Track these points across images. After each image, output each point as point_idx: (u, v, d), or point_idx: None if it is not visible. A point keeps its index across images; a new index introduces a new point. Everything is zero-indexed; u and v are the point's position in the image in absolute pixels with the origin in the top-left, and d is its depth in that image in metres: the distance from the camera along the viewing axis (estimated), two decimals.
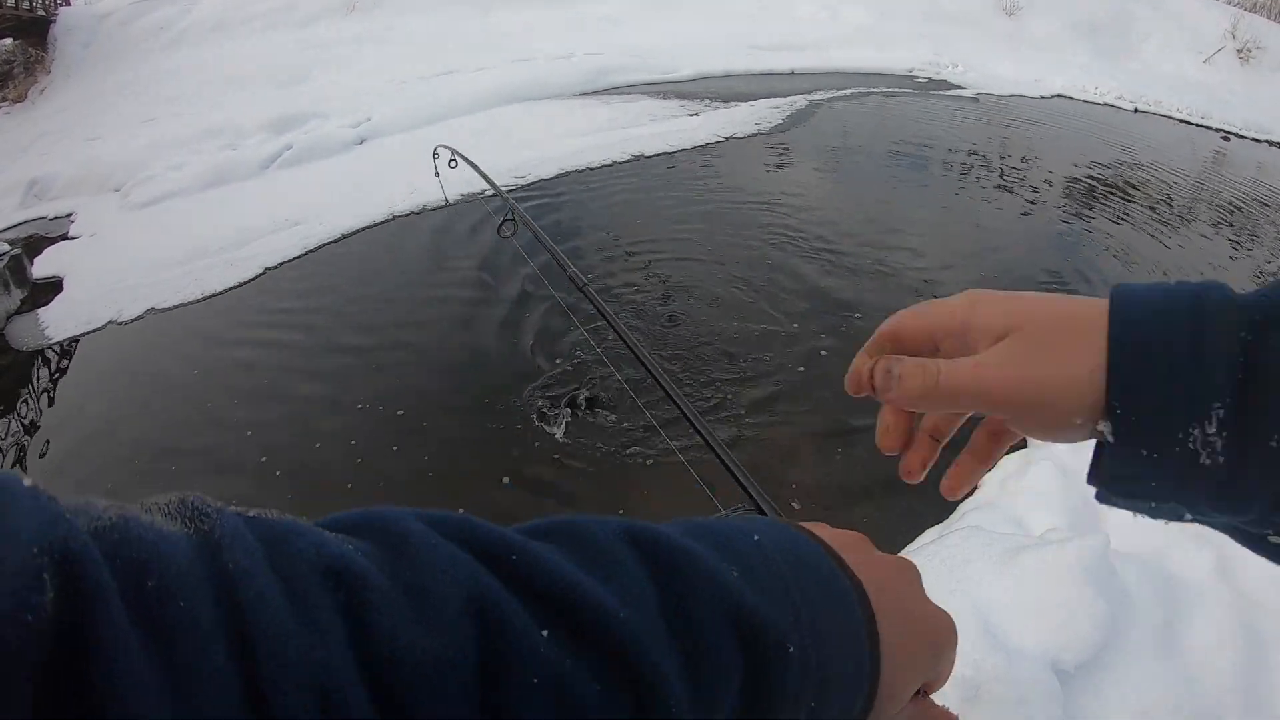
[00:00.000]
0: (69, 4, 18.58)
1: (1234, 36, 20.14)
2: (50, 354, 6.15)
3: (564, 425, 4.59)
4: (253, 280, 6.80)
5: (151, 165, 9.86)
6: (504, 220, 2.85)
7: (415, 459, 4.53)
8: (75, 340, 6.25)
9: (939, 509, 4.09)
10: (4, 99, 16.00)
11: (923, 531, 3.90)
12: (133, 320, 6.39)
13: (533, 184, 8.46)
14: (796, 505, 4.15)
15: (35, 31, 16.78)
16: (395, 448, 4.60)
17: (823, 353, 5.53)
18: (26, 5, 16.42)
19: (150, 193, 9.19)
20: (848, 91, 13.59)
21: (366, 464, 4.50)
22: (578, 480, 4.33)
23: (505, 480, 4.31)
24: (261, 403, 5.19)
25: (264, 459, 4.61)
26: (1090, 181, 10.29)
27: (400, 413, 4.90)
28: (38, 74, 16.32)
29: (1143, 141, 13.09)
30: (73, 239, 8.45)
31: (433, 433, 4.74)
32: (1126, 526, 3.59)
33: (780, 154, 9.88)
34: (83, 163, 10.32)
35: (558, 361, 5.29)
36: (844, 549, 0.50)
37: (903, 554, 3.41)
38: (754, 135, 10.50)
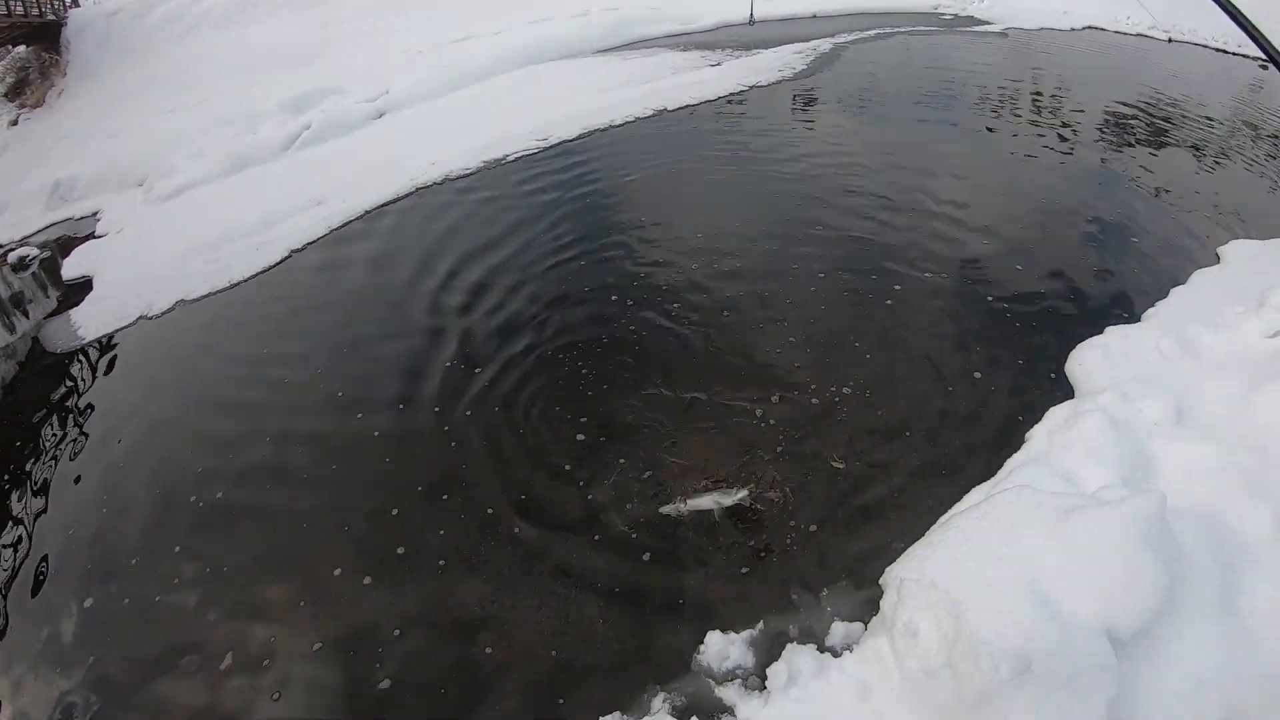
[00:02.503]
0: (78, 5, 18.51)
1: None
2: (84, 355, 6.11)
3: None
4: (279, 264, 6.69)
5: (172, 157, 9.82)
6: None
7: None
8: (108, 338, 6.21)
9: (985, 465, 3.98)
10: (23, 105, 16.02)
11: (969, 490, 3.79)
12: (162, 314, 6.36)
13: (555, 144, 8.30)
14: (837, 464, 4.08)
15: (47, 36, 16.74)
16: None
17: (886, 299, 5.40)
18: (36, 11, 16.39)
19: (173, 184, 9.14)
20: (872, 32, 13.25)
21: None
22: None
23: None
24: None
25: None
26: (1124, 116, 9.91)
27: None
28: (54, 77, 16.30)
29: (1178, 72, 12.59)
30: (99, 237, 8.45)
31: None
32: (1181, 478, 3.48)
33: (805, 102, 9.60)
34: (104, 161, 10.30)
35: None
36: None
37: (951, 515, 3.33)
38: (778, 83, 10.22)
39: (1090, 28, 14.97)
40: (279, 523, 4.12)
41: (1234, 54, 14.31)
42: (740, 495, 3.81)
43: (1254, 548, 3.01)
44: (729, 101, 9.52)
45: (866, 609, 3.28)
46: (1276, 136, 9.89)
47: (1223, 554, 2.93)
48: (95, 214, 9.18)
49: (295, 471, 4.45)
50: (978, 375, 4.73)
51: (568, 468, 4.19)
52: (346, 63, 13.19)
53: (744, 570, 3.56)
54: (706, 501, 3.79)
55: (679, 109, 9.22)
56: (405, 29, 14.64)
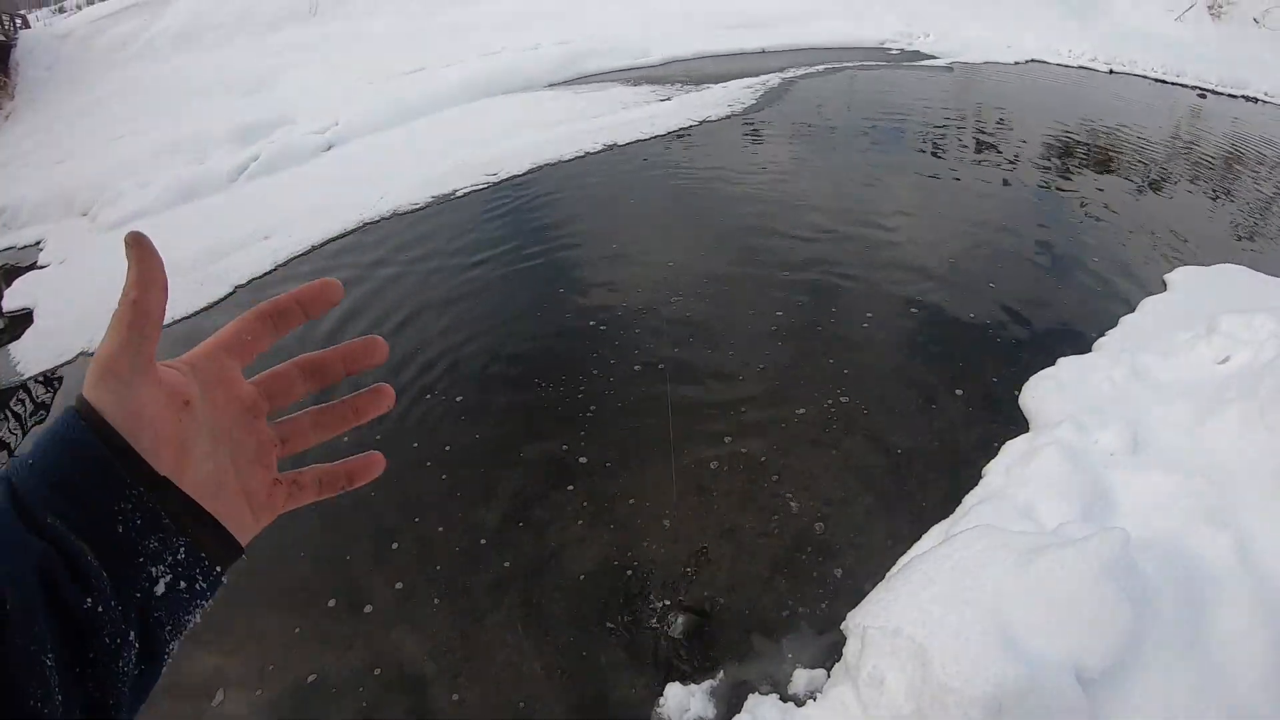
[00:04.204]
0: (27, 26, 18.29)
1: None
2: (25, 391, 5.99)
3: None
4: (224, 300, 6.66)
5: (119, 185, 9.68)
6: None
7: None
8: (51, 373, 6.11)
9: (942, 502, 3.99)
10: None
11: (928, 528, 3.79)
12: None
13: (505, 180, 8.32)
14: (793, 504, 4.05)
15: None
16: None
17: (823, 347, 5.45)
18: None
19: (119, 213, 9.02)
20: (820, 67, 13.49)
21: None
22: None
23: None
24: None
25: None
26: (1068, 147, 10.19)
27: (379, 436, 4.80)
28: (1, 101, 16.08)
29: (1119, 102, 13.02)
30: (42, 268, 8.27)
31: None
32: (1141, 509, 3.51)
33: (755, 134, 9.76)
34: (50, 187, 10.12)
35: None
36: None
37: (911, 557, 3.15)
38: (729, 117, 10.37)
39: (1033, 60, 15.47)
40: None
41: (1173, 83, 14.85)
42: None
43: (1216, 576, 3.03)
44: (679, 136, 9.62)
45: (828, 654, 3.25)
46: (1216, 162, 10.25)
47: (1186, 584, 2.94)
48: (38, 243, 9.00)
49: None
50: (932, 410, 4.77)
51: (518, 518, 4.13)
52: (297, 93, 13.13)
53: (699, 617, 3.50)
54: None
55: (630, 143, 9.27)
56: (356, 60, 14.63)
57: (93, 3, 20.41)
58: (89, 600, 0.50)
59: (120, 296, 0.55)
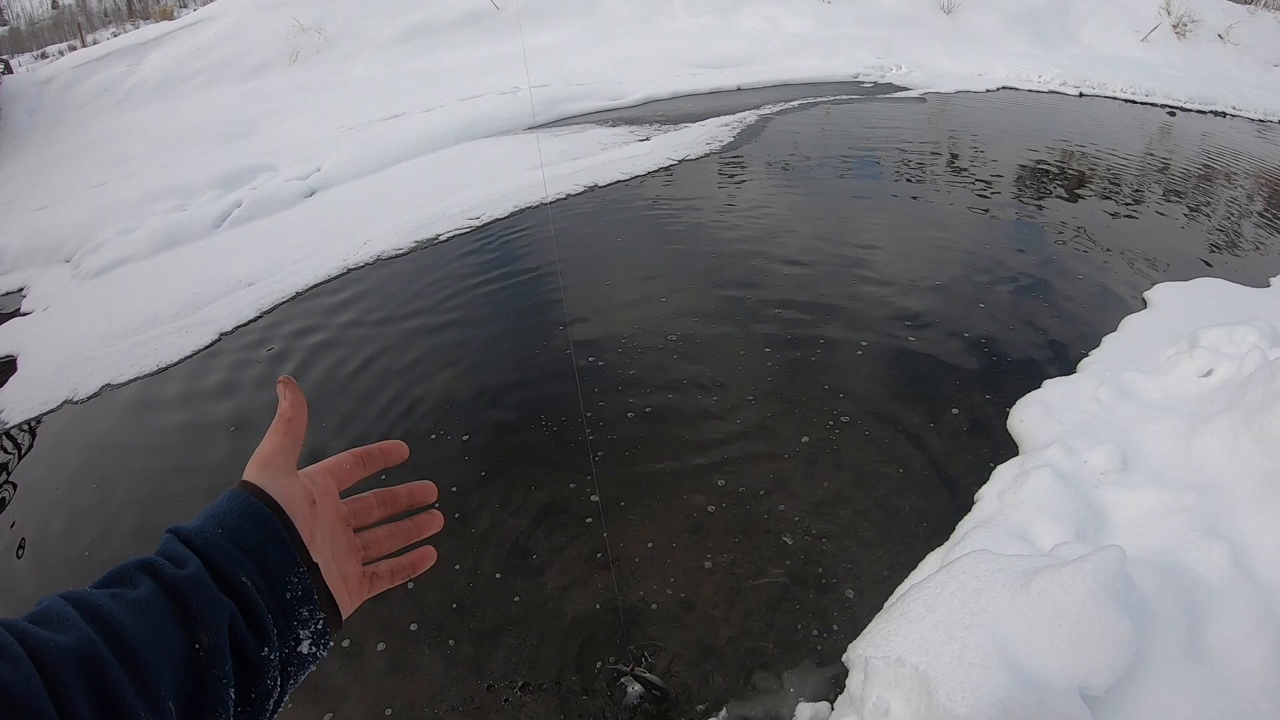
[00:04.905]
0: (10, 72, 18.39)
1: (1169, 12, 20.44)
2: (9, 439, 5.99)
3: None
4: (209, 346, 6.70)
5: (102, 232, 9.69)
6: None
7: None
8: (33, 422, 6.12)
9: (937, 530, 4.02)
10: None
11: (924, 556, 3.80)
12: (88, 398, 6.24)
13: (488, 223, 8.40)
14: (788, 539, 4.08)
15: None
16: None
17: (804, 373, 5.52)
18: None
19: (102, 261, 9.04)
20: (795, 102, 13.66)
21: None
22: None
23: None
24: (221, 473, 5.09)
25: None
26: (1042, 170, 10.36)
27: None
28: None
29: (1091, 125, 13.25)
30: (25, 314, 8.27)
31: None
32: (1134, 526, 3.54)
33: (735, 171, 9.91)
34: (32, 234, 10.12)
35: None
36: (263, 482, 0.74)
37: (910, 586, 3.14)
38: (707, 155, 10.51)
39: (1004, 88, 15.73)
40: None
41: (1142, 103, 15.19)
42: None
43: (1214, 587, 3.04)
44: (659, 175, 9.75)
45: (832, 686, 3.24)
46: (1189, 178, 10.47)
47: (1184, 597, 2.95)
48: (21, 290, 9.00)
49: None
50: (922, 439, 4.78)
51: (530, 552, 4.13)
52: (278, 139, 13.19)
53: (701, 656, 3.47)
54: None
55: (610, 184, 9.38)
56: (336, 106, 14.71)
57: (75, 49, 20.51)
58: (265, 650, 0.66)
59: (278, 414, 0.79)
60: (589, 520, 4.26)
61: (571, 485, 4.53)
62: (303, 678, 0.72)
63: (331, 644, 0.75)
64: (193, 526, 0.70)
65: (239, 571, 0.67)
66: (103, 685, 0.54)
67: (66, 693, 0.51)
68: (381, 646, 3.67)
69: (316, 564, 0.74)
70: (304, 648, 0.71)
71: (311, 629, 0.72)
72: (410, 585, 3.90)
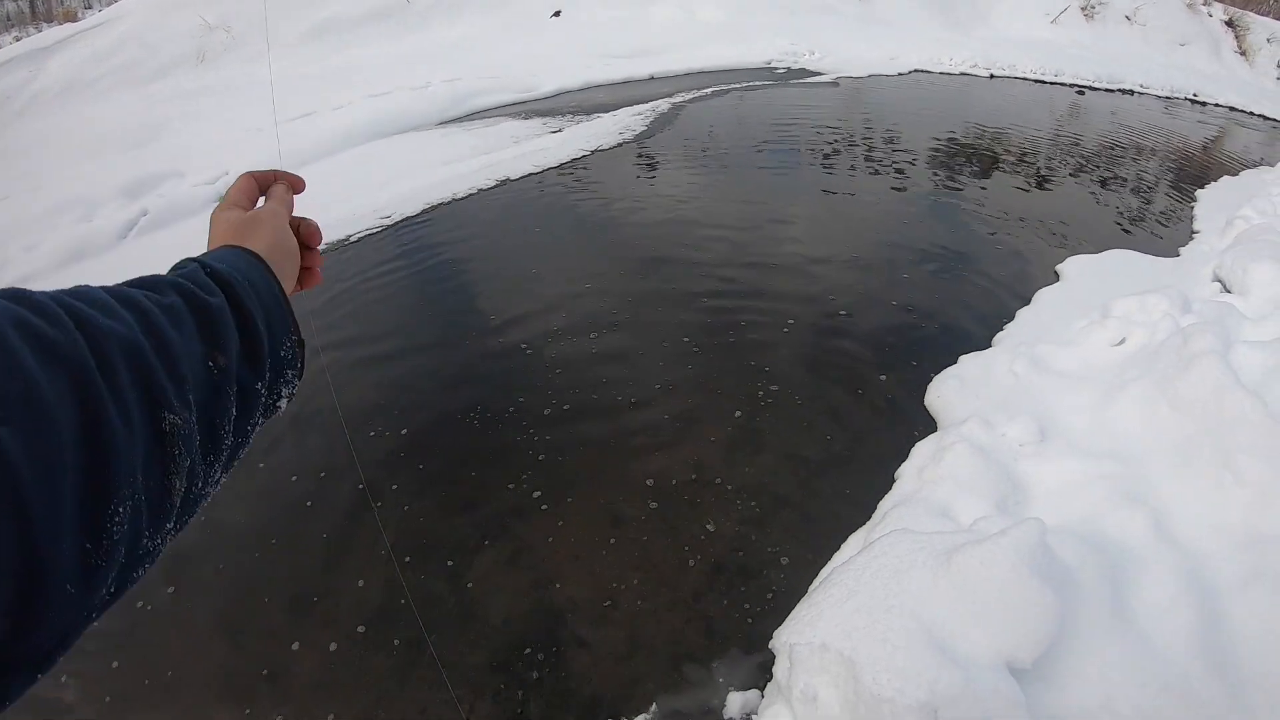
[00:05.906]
0: None
1: None
2: None
3: None
4: None
5: (5, 249, 9.44)
6: None
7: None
8: None
9: (859, 510, 3.98)
10: None
11: (846, 539, 3.76)
12: None
13: (399, 223, 8.33)
14: (710, 527, 4.01)
15: None
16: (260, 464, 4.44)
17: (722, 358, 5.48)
18: None
19: (5, 278, 8.78)
20: (709, 90, 13.66)
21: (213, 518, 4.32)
22: None
23: None
24: None
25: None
26: (954, 150, 10.56)
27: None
28: None
29: (1002, 104, 13.60)
30: None
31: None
32: (1054, 497, 3.55)
33: (648, 160, 9.93)
34: None
35: None
36: (246, 239, 0.88)
37: (831, 570, 3.07)
38: (620, 145, 10.52)
39: (916, 71, 16.05)
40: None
41: (1051, 83, 15.66)
42: None
43: (1136, 552, 3.06)
44: (572, 167, 9.76)
45: (761, 674, 3.17)
46: (1098, 153, 10.83)
47: (1107, 565, 2.95)
48: None
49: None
50: (841, 420, 4.76)
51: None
52: (185, 143, 12.80)
53: (630, 651, 3.39)
54: None
55: (522, 178, 9.27)
56: (246, 106, 14.40)
57: None
58: (259, 385, 0.76)
59: (293, 182, 1.14)
60: (496, 518, 4.19)
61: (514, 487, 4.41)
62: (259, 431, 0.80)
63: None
64: (221, 266, 0.77)
65: (258, 319, 0.76)
66: (143, 367, 0.58)
67: (111, 366, 0.55)
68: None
69: (303, 340, 0.86)
70: (281, 404, 0.82)
71: (289, 390, 0.83)
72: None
